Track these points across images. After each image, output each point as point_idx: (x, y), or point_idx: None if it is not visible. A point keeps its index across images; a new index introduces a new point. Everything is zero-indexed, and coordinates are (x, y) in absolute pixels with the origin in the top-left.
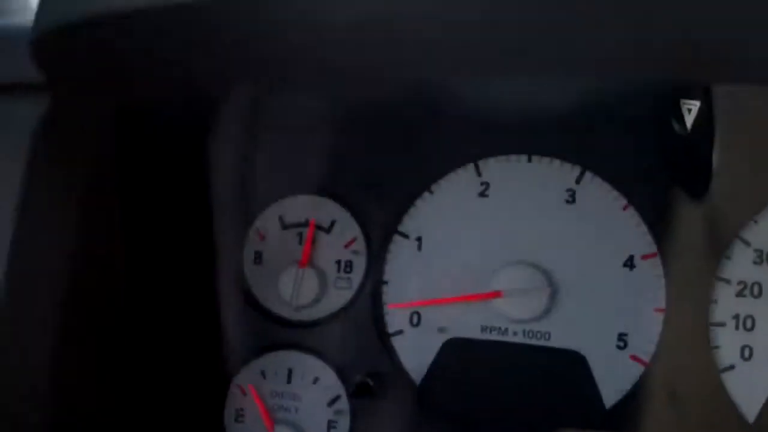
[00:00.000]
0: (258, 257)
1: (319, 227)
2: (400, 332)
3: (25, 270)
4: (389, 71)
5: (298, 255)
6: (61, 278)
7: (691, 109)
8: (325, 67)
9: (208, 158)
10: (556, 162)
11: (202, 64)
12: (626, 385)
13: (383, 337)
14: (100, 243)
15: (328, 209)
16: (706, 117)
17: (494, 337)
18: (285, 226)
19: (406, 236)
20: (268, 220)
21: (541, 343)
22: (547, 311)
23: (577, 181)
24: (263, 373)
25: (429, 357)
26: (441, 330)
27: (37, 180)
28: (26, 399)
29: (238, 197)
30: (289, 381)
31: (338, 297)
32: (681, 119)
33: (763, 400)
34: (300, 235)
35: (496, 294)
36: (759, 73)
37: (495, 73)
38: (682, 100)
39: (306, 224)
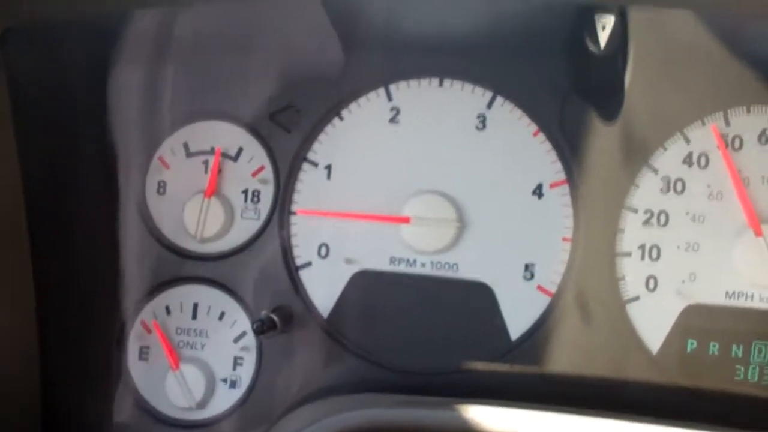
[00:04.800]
0: (161, 187)
1: (225, 155)
2: (308, 264)
3: None
4: None
5: (203, 184)
6: None
7: (605, 26)
8: None
9: (108, 83)
10: (468, 86)
11: None
12: (532, 317)
13: (291, 269)
14: None
15: (234, 136)
16: (620, 35)
17: (402, 268)
18: (190, 154)
19: (315, 164)
20: (172, 148)
21: (449, 274)
22: (454, 242)
23: (489, 106)
24: (167, 309)
25: (337, 290)
26: (349, 261)
27: None
28: None
29: (140, 123)
30: (194, 317)
31: (245, 228)
32: (594, 36)
33: (666, 332)
34: (206, 163)
35: (404, 219)
36: None
37: None
38: (597, 16)
39: (212, 152)
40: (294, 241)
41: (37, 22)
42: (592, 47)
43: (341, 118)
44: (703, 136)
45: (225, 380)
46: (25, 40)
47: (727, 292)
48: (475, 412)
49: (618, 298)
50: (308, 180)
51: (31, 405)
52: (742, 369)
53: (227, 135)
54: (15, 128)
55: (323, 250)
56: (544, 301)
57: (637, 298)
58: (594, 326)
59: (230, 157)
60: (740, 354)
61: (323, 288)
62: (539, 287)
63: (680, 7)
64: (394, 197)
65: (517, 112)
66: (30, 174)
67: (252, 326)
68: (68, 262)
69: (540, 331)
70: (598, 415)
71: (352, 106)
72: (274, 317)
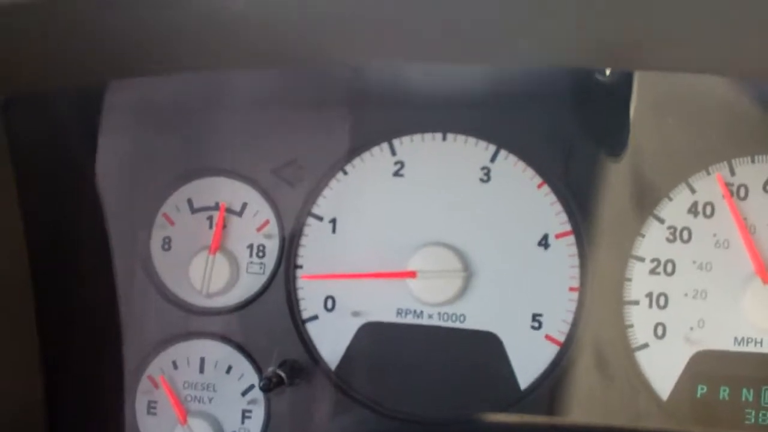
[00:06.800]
0: (167, 243)
1: (229, 210)
2: (314, 317)
3: None
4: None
5: (208, 240)
6: None
7: None
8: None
9: (108, 145)
10: (471, 140)
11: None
12: (541, 366)
13: (297, 322)
14: None
15: (239, 191)
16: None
17: (410, 320)
18: (194, 210)
19: (320, 218)
20: (176, 204)
21: (457, 325)
22: (461, 294)
23: (492, 159)
24: (175, 364)
25: (344, 342)
26: (356, 314)
27: None
28: None
29: (143, 182)
30: (201, 371)
31: (251, 283)
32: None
33: (676, 378)
34: (210, 219)
35: (410, 274)
36: (676, 61)
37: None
38: None
39: (216, 207)
40: (300, 294)
41: (37, 90)
42: (597, 75)
43: (345, 173)
44: (708, 185)
45: None
46: (26, 107)
47: (735, 338)
48: None
49: (627, 345)
50: (313, 234)
51: None
52: (753, 413)
53: (231, 190)
54: (18, 189)
55: (329, 303)
56: (552, 351)
57: (645, 346)
58: (603, 374)
59: (235, 212)
60: (750, 398)
61: (330, 340)
62: (547, 336)
63: (689, 72)
64: (400, 249)
65: (521, 165)
66: (33, 233)
67: (259, 384)
68: (74, 320)
69: (549, 380)
70: None
71: (356, 161)
72: (281, 372)
